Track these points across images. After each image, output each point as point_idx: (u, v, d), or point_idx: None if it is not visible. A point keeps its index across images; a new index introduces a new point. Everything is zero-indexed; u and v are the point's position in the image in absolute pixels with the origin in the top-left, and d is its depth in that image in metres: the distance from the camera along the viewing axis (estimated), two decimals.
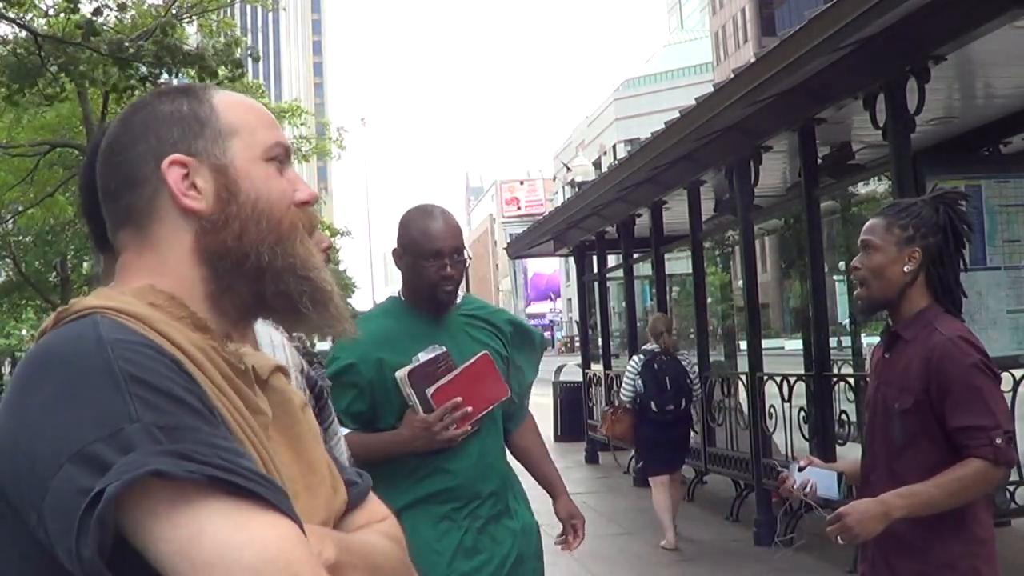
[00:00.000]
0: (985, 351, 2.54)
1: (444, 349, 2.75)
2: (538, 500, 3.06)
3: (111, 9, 10.12)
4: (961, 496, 2.43)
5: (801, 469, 2.72)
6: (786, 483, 2.74)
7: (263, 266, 1.06)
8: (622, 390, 7.77)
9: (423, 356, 2.73)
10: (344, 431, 2.59)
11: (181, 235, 1.07)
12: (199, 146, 1.08)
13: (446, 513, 2.69)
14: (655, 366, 7.61)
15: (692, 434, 8.15)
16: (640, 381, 7.60)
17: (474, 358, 2.75)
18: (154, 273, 1.05)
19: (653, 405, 7.53)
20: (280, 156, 1.12)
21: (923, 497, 2.41)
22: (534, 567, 2.86)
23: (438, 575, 2.62)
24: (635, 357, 7.96)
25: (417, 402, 2.68)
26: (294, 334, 2.14)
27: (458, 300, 2.93)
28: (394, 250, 2.87)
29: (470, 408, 2.71)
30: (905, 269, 2.56)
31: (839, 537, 2.45)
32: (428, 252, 2.75)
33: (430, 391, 2.68)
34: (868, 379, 2.85)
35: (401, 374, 2.70)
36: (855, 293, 2.69)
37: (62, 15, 9.33)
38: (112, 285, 1.07)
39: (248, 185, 1.08)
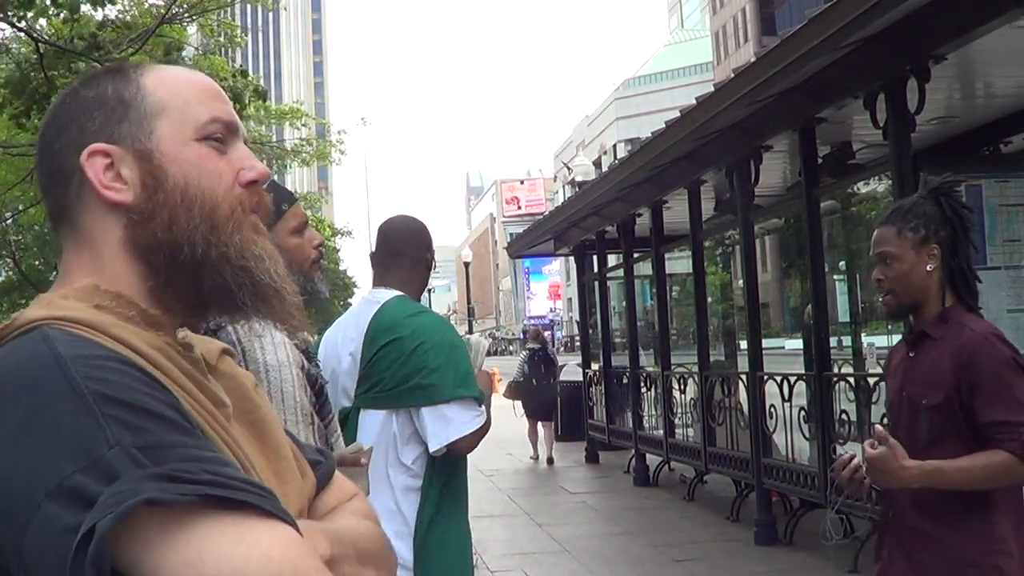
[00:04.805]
0: (1016, 349, 2.56)
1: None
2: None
3: (113, 24, 10.09)
4: (981, 484, 2.45)
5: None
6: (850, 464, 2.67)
7: (198, 258, 0.99)
8: (515, 373, 13.32)
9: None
10: None
11: (111, 229, 1.00)
12: (123, 131, 1.00)
13: None
14: (535, 358, 13.18)
15: (556, 398, 13.65)
16: (526, 367, 13.11)
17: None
18: (93, 271, 0.99)
19: (533, 381, 13.03)
20: (218, 133, 1.03)
21: (946, 477, 2.45)
22: None
23: None
24: (523, 352, 13.87)
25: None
26: (294, 333, 2.15)
27: None
28: (422, 258, 2.98)
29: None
30: (928, 269, 2.59)
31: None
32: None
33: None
34: (887, 380, 2.84)
35: None
36: (883, 300, 2.67)
37: (63, 13, 9.25)
38: (55, 287, 1.01)
39: (176, 169, 1.00)
